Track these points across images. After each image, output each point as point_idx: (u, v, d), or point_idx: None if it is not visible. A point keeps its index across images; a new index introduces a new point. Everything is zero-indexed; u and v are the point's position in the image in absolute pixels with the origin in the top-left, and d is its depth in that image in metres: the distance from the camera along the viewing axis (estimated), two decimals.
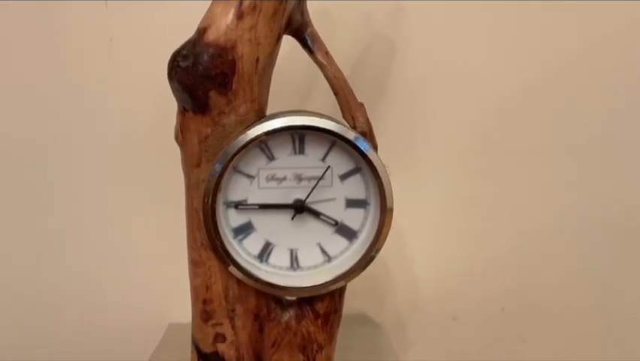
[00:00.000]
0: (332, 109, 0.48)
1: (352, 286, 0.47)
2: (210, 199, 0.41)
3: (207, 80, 0.40)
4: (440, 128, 0.67)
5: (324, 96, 0.63)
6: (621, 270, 0.71)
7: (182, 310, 0.69)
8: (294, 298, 0.47)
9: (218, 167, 0.41)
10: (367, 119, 0.44)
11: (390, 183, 0.43)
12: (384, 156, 0.43)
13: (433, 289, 0.72)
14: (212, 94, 0.40)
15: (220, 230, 0.42)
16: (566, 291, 0.72)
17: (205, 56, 0.40)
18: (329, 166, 0.43)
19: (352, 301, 0.53)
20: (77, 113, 0.65)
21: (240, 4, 0.39)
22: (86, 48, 0.63)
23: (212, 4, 0.41)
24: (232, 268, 0.43)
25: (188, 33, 0.42)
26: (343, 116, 0.45)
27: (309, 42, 0.44)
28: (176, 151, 0.50)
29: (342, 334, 0.48)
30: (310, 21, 0.44)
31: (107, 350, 0.70)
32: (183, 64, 0.40)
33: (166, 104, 0.63)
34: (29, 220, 0.67)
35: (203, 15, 0.41)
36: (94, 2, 0.62)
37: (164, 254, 0.68)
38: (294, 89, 0.64)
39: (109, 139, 0.65)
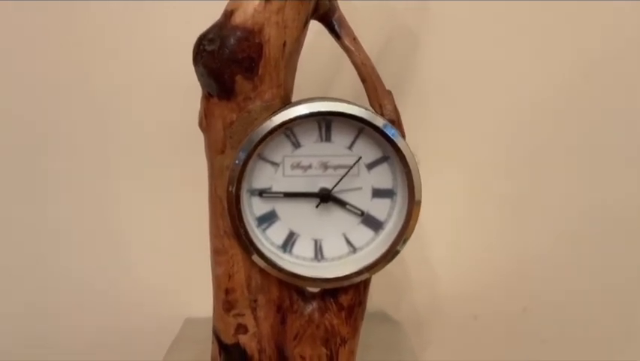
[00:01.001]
0: (353, 98, 0.47)
1: (371, 283, 0.46)
2: (235, 187, 0.41)
3: (234, 64, 0.39)
4: (466, 125, 0.66)
5: (344, 85, 0.63)
6: None
7: (198, 305, 0.69)
8: (317, 289, 0.46)
9: (242, 154, 0.40)
10: (395, 107, 0.43)
11: (419, 172, 0.41)
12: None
13: (453, 287, 0.70)
14: (239, 79, 0.40)
15: (244, 218, 0.42)
16: (587, 292, 0.70)
17: (232, 40, 0.39)
18: (360, 157, 0.42)
19: (371, 299, 0.52)
20: (93, 102, 0.64)
21: None
22: (104, 35, 0.63)
23: None
24: (256, 258, 0.42)
25: (208, 18, 0.41)
26: (370, 104, 0.44)
27: (336, 27, 0.43)
28: (193, 139, 0.49)
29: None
30: (338, 6, 0.43)
31: (124, 345, 0.69)
32: (209, 47, 0.39)
33: (184, 91, 0.63)
34: (44, 214, 0.66)
35: (222, 2, 0.41)
36: None
37: (180, 249, 0.68)
38: (314, 78, 0.63)
39: (126, 129, 0.65)
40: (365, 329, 0.48)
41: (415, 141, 0.47)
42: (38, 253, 0.67)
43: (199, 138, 0.45)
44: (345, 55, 0.44)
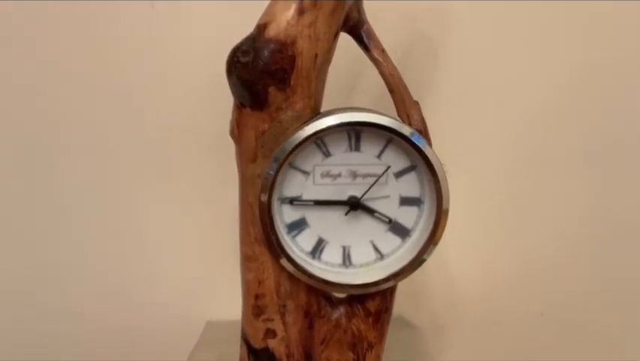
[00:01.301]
0: (372, 106, 0.48)
1: None
2: (267, 195, 0.42)
3: (267, 76, 0.40)
4: (481, 131, 0.67)
5: (365, 94, 0.64)
6: None
7: (219, 308, 0.70)
8: (343, 295, 0.47)
9: (275, 163, 0.41)
10: (422, 118, 0.44)
11: (447, 181, 0.42)
12: None
13: (471, 292, 0.71)
14: (271, 90, 0.41)
15: (275, 226, 0.43)
16: (606, 297, 0.71)
17: (265, 52, 0.40)
18: (389, 166, 0.43)
19: None
20: (121, 109, 0.65)
21: (301, 0, 0.40)
22: (132, 45, 0.64)
23: (272, 1, 0.41)
24: (285, 262, 0.43)
25: (234, 30, 0.42)
26: (398, 114, 0.45)
27: (365, 39, 0.44)
28: (216, 147, 0.50)
29: None
30: (366, 18, 0.44)
31: (146, 348, 0.70)
32: (243, 59, 0.40)
33: (215, 99, 0.64)
34: (68, 217, 0.68)
35: (250, 10, 0.42)
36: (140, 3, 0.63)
37: (201, 252, 0.69)
38: (334, 88, 0.64)
39: (149, 135, 0.66)
40: None
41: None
42: (65, 255, 0.68)
43: (227, 145, 0.46)
44: (366, 66, 0.45)
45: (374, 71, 0.46)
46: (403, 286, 0.58)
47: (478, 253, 0.70)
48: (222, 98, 0.45)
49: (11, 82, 0.64)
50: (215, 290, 0.70)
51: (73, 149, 0.66)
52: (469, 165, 0.68)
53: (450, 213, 0.62)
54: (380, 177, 0.42)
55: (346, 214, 0.44)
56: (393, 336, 0.62)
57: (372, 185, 0.42)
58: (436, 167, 0.42)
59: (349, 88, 0.64)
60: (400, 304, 0.69)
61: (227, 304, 0.69)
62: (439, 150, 0.64)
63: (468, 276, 0.71)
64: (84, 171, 0.66)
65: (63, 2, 0.62)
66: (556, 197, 0.68)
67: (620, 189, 0.68)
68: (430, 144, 0.43)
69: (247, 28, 0.42)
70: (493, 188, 0.68)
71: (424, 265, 0.69)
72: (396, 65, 0.45)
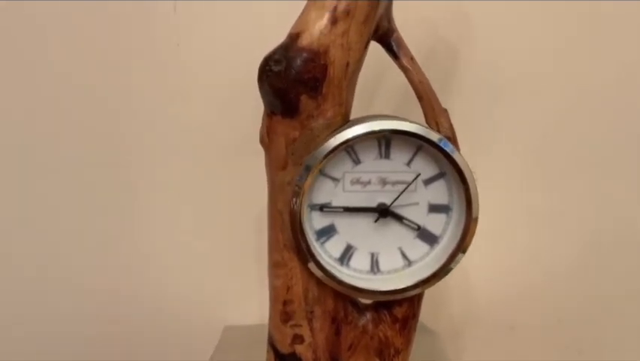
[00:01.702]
0: (392, 112, 0.48)
1: None
2: (298, 202, 0.42)
3: (299, 85, 0.41)
4: (500, 137, 0.67)
5: (387, 101, 0.65)
6: None
7: (237, 313, 0.70)
8: (370, 301, 0.47)
9: (306, 171, 0.42)
10: (451, 125, 0.44)
11: (477, 189, 0.43)
12: None
13: (489, 298, 0.71)
14: (303, 98, 0.41)
15: (305, 232, 0.43)
16: (623, 303, 0.71)
17: (298, 61, 0.40)
18: (419, 174, 0.43)
19: None
20: (142, 118, 0.66)
21: (335, 9, 0.40)
22: (154, 52, 0.65)
23: (305, 10, 0.41)
24: (314, 268, 0.44)
25: (255, 38, 0.42)
26: (427, 121, 0.45)
27: (394, 47, 0.44)
28: (240, 153, 0.50)
29: None
30: (396, 27, 0.45)
31: (165, 353, 0.71)
32: (276, 68, 0.41)
33: (231, 108, 0.65)
34: (90, 222, 0.68)
35: (269, 20, 0.42)
36: (163, 6, 0.63)
37: (220, 257, 0.69)
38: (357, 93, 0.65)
39: (174, 142, 0.67)
40: None
41: None
42: (83, 259, 0.69)
43: (250, 151, 0.46)
44: (385, 73, 0.45)
45: (395, 78, 0.46)
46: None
47: (496, 260, 0.70)
48: (244, 104, 0.46)
49: (17, 82, 0.64)
50: (234, 295, 0.71)
51: (86, 156, 0.66)
52: (490, 172, 0.67)
53: None
54: (410, 184, 0.43)
55: (375, 221, 0.44)
56: None
57: (402, 192, 0.43)
58: (465, 174, 0.42)
59: (370, 94, 0.65)
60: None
61: (246, 309, 0.70)
62: (466, 157, 0.65)
63: (485, 282, 0.71)
64: (103, 178, 0.67)
65: (84, 3, 0.62)
66: (574, 205, 0.69)
67: (638, 197, 0.68)
68: (458, 151, 0.44)
69: (270, 34, 0.42)
70: (513, 195, 0.68)
71: None
72: None
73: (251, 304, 0.69)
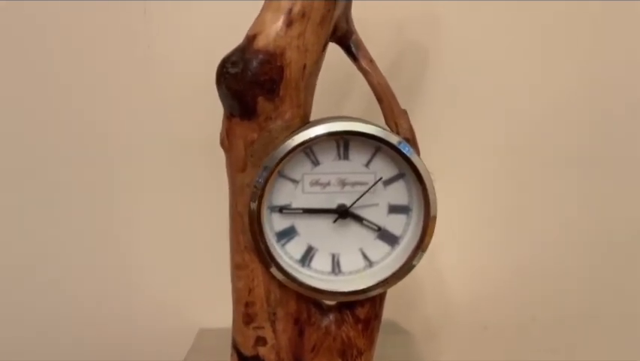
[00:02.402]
0: (363, 116, 0.48)
1: None
2: (256, 203, 0.42)
3: (256, 86, 0.41)
4: (471, 139, 0.67)
5: (355, 103, 0.65)
6: None
7: (212, 316, 0.70)
8: (333, 302, 0.47)
9: (264, 172, 0.42)
10: (410, 126, 0.45)
11: (434, 189, 0.43)
12: None
13: (463, 298, 0.71)
14: (260, 100, 0.41)
15: (265, 234, 0.43)
16: (598, 301, 0.71)
17: (254, 63, 0.40)
18: (381, 178, 0.43)
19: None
20: (112, 119, 0.66)
21: (290, 11, 0.40)
22: (125, 54, 0.65)
23: (261, 12, 0.42)
24: (275, 271, 0.44)
25: (225, 40, 0.42)
26: (386, 123, 0.45)
27: (353, 49, 0.44)
28: (209, 157, 0.50)
29: None
30: (355, 29, 0.45)
31: (139, 355, 0.70)
32: (232, 70, 0.41)
33: (202, 110, 0.64)
34: (63, 224, 0.68)
35: (241, 21, 0.42)
36: (132, 8, 0.63)
37: (194, 260, 0.69)
38: (326, 96, 0.65)
39: (145, 145, 0.66)
40: None
41: (422, 155, 0.49)
42: (56, 263, 0.68)
43: (213, 155, 0.46)
44: (357, 73, 0.45)
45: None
46: (395, 293, 0.59)
47: (470, 259, 0.71)
48: (214, 108, 0.46)
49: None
50: (209, 298, 0.70)
51: (64, 157, 0.66)
52: (461, 172, 0.68)
53: (441, 219, 0.62)
54: (371, 187, 0.43)
55: (334, 222, 0.44)
56: (386, 342, 0.63)
57: (363, 195, 0.43)
58: (423, 175, 0.42)
59: (342, 96, 0.65)
60: (393, 311, 0.70)
61: (220, 312, 0.70)
62: (432, 157, 0.65)
63: (460, 281, 0.71)
64: (76, 180, 0.67)
65: (55, 5, 0.62)
66: (546, 203, 0.69)
67: (611, 195, 0.69)
68: (417, 152, 0.44)
69: (239, 38, 0.43)
70: (484, 194, 0.69)
71: (417, 271, 0.71)
72: (386, 73, 0.46)
73: (226, 307, 0.68)
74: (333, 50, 0.45)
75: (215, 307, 0.70)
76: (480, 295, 0.71)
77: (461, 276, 0.71)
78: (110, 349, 0.70)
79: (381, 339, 0.55)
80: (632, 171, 0.68)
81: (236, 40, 0.43)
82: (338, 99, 0.65)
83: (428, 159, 0.62)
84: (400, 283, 0.47)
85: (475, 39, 0.65)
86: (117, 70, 0.65)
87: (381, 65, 0.48)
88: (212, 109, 0.46)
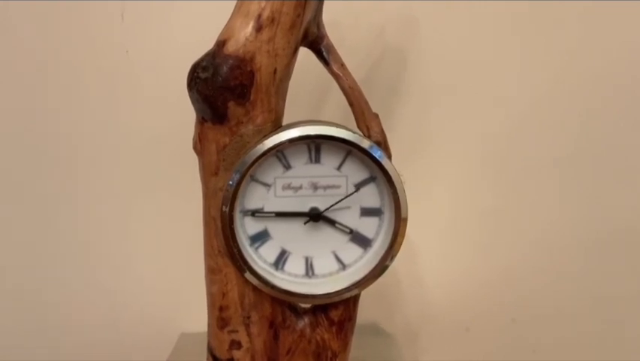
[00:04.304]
0: (342, 120, 0.49)
1: (363, 296, 0.48)
2: (228, 207, 0.42)
3: (226, 91, 0.41)
4: (452, 139, 0.68)
5: (334, 107, 0.65)
6: (637, 281, 0.71)
7: (193, 320, 0.70)
8: (308, 305, 0.48)
9: (236, 176, 0.42)
10: (382, 130, 0.45)
11: (404, 192, 0.43)
12: (397, 166, 0.44)
13: (444, 299, 0.72)
14: (231, 104, 0.41)
15: (237, 237, 0.43)
16: (577, 302, 0.72)
17: (224, 68, 0.41)
18: (357, 189, 0.44)
19: (363, 311, 0.53)
20: (91, 123, 0.66)
21: (259, 16, 0.41)
22: (102, 60, 0.65)
23: (231, 17, 0.42)
24: (248, 275, 0.44)
25: (203, 44, 0.43)
26: (358, 127, 0.45)
27: (324, 54, 0.45)
28: (188, 161, 0.51)
29: (352, 344, 0.49)
30: (326, 33, 0.45)
31: (120, 359, 0.70)
32: (203, 75, 0.41)
33: (181, 114, 0.65)
34: (41, 228, 0.67)
35: (218, 26, 0.43)
36: (110, 14, 0.64)
37: (175, 264, 0.69)
38: (305, 100, 0.65)
39: (123, 149, 0.67)
40: (357, 341, 0.50)
41: (402, 157, 0.49)
42: (39, 267, 0.68)
43: (193, 159, 0.46)
44: (332, 78, 0.46)
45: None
46: (376, 294, 0.59)
47: (451, 261, 0.71)
48: (191, 112, 0.46)
49: None
50: (190, 302, 0.70)
51: (38, 161, 0.66)
52: (442, 174, 0.69)
53: (422, 221, 0.63)
54: (348, 196, 0.43)
55: (305, 223, 0.44)
56: (367, 344, 0.63)
57: (338, 202, 0.43)
58: (393, 178, 0.43)
59: (319, 100, 0.65)
60: (374, 312, 0.70)
61: (201, 316, 0.69)
62: (413, 157, 0.66)
63: (441, 283, 0.71)
64: (56, 182, 0.66)
65: (33, 8, 0.62)
66: (528, 205, 0.70)
67: (593, 197, 0.69)
68: (389, 156, 0.44)
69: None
70: (465, 196, 0.69)
71: (398, 273, 0.71)
72: (365, 75, 0.46)
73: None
74: (310, 55, 0.46)
75: (196, 312, 0.70)
76: (461, 297, 0.71)
77: (442, 278, 0.71)
78: (91, 353, 0.70)
79: (363, 341, 0.55)
80: (615, 172, 0.69)
81: (213, 44, 0.43)
82: (316, 103, 0.65)
83: (410, 160, 0.64)
84: (381, 285, 0.47)
85: (455, 40, 0.66)
86: (95, 75, 0.65)
87: (362, 67, 0.49)
88: (190, 113, 0.46)
